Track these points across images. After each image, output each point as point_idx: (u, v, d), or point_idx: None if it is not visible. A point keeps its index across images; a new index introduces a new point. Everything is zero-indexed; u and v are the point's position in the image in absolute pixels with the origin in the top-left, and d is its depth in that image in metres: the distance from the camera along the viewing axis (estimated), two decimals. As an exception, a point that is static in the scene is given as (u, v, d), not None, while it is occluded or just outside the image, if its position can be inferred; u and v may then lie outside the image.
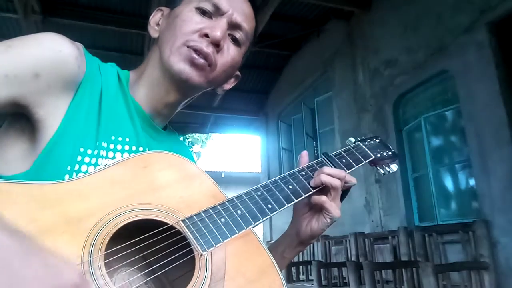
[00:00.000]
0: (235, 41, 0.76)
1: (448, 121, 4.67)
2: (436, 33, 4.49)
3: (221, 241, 0.58)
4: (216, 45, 0.72)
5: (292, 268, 5.35)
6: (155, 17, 0.81)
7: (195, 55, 0.70)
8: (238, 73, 0.84)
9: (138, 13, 6.02)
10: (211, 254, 0.57)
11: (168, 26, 0.75)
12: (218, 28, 0.71)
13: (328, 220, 0.77)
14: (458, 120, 4.40)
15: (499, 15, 3.79)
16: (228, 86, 0.85)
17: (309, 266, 5.26)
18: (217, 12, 0.73)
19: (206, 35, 0.71)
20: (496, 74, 3.75)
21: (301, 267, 5.46)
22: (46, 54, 0.58)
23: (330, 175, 0.76)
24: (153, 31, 0.80)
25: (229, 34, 0.75)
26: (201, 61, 0.70)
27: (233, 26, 0.75)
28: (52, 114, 0.60)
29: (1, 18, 6.11)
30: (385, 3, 5.41)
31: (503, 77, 3.74)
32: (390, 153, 0.98)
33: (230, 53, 0.75)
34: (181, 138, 0.92)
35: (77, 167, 0.61)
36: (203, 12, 0.73)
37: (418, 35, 4.77)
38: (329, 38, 6.72)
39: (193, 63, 0.70)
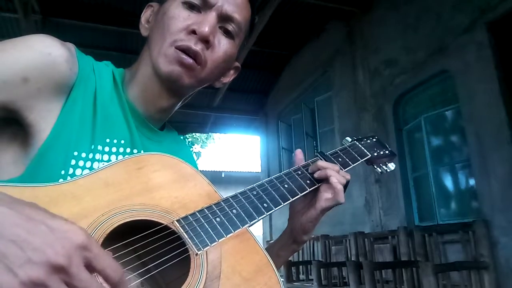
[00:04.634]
0: (228, 33, 0.72)
1: (448, 121, 4.67)
2: (436, 33, 4.49)
3: (216, 240, 0.58)
4: (205, 41, 0.68)
5: (292, 268, 5.35)
6: (146, 14, 0.78)
7: (183, 56, 0.67)
8: (237, 64, 0.81)
9: (139, 12, 6.03)
10: (206, 254, 0.57)
11: (156, 24, 0.72)
12: (205, 23, 0.67)
13: (318, 210, 0.76)
14: (458, 120, 4.40)
15: (499, 15, 3.78)
16: (227, 79, 0.81)
17: (309, 266, 5.26)
18: (205, 5, 0.69)
19: (194, 32, 0.67)
20: (496, 74, 3.74)
21: (301, 267, 5.45)
22: (35, 58, 0.56)
23: (323, 168, 0.77)
24: (144, 29, 0.76)
25: (220, 27, 0.71)
26: (189, 61, 0.67)
27: (223, 18, 0.71)
28: (43, 118, 0.59)
29: (1, 18, 6.12)
30: (385, 3, 5.41)
31: (503, 77, 3.74)
32: (387, 152, 0.98)
33: (221, 48, 0.71)
34: (181, 138, 0.91)
35: (71, 171, 0.60)
36: (191, 7, 0.69)
37: (418, 35, 4.77)
38: (329, 38, 6.72)
39: (182, 64, 0.67)
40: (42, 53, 0.57)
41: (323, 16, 6.51)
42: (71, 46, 0.64)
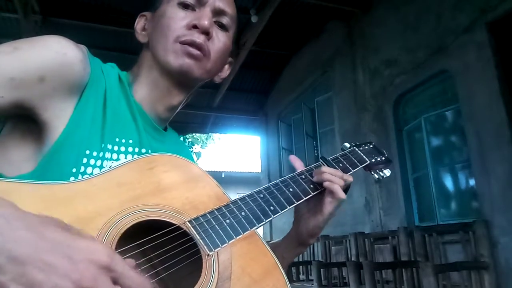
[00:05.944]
0: (222, 27, 0.79)
1: (448, 121, 4.68)
2: (436, 33, 4.50)
3: (227, 241, 0.59)
4: (206, 33, 0.74)
5: (292, 268, 5.35)
6: (140, 23, 0.82)
7: (190, 48, 0.72)
8: (231, 59, 0.86)
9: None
10: (217, 254, 0.58)
11: (155, 28, 0.76)
12: (204, 17, 0.73)
13: (325, 216, 0.78)
14: (458, 120, 4.41)
15: (499, 15, 3.79)
16: (224, 74, 0.86)
17: (309, 266, 5.27)
18: (199, 3, 0.75)
19: (195, 26, 0.73)
20: (496, 74, 3.75)
21: (301, 267, 5.47)
22: (52, 58, 0.58)
23: (329, 173, 0.79)
24: (141, 36, 0.81)
25: (215, 22, 0.77)
26: (197, 52, 0.73)
27: (217, 12, 0.77)
28: (57, 117, 0.61)
29: (1, 18, 6.11)
30: (385, 3, 5.42)
31: (503, 77, 3.75)
32: (383, 158, 1.00)
33: (220, 39, 0.77)
34: (181, 139, 0.93)
35: (82, 169, 0.61)
36: (185, 6, 0.75)
37: (418, 35, 4.78)
38: (329, 38, 6.73)
39: (191, 55, 0.72)
40: (58, 53, 0.59)
41: (323, 16, 6.52)
42: (84, 47, 0.66)
